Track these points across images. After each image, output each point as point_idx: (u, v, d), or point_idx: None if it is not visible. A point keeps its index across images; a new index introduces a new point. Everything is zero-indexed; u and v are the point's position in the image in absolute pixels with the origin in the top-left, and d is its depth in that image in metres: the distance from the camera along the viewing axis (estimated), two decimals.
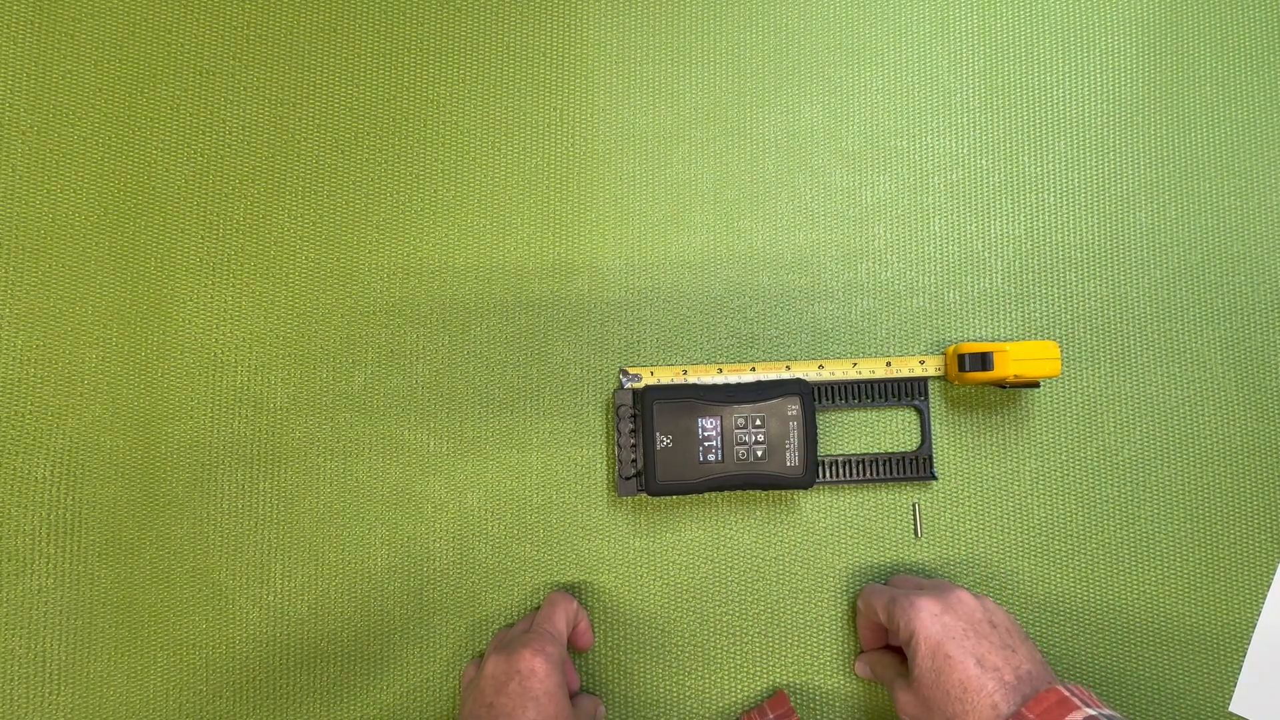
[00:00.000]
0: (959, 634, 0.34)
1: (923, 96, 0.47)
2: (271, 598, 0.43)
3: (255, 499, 0.43)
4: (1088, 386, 0.46)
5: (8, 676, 0.41)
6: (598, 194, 0.46)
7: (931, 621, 0.35)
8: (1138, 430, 0.46)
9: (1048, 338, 0.46)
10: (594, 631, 0.43)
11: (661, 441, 0.41)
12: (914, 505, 0.45)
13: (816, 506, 0.45)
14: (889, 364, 0.45)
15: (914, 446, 0.45)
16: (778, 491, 0.45)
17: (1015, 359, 0.42)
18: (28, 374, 0.42)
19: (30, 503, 0.42)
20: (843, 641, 0.44)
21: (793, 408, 0.41)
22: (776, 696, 0.42)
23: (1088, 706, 0.30)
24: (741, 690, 0.44)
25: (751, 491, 0.45)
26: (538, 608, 0.42)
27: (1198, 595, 0.45)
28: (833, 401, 0.45)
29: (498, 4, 0.46)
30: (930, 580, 0.41)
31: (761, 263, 0.46)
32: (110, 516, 0.42)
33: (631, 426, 0.43)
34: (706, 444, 0.41)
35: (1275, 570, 0.45)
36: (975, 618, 0.35)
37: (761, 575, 0.44)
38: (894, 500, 0.45)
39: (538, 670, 0.35)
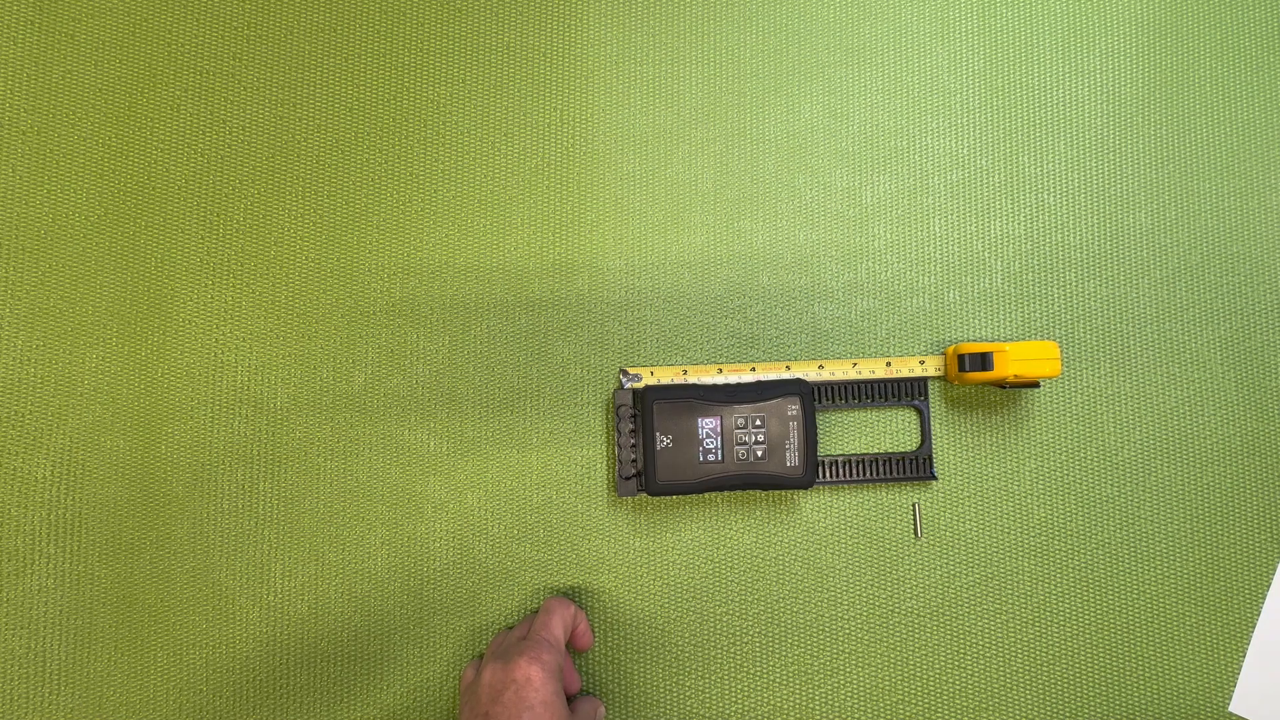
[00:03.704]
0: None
1: (923, 96, 0.47)
2: (271, 598, 0.43)
3: (255, 499, 0.43)
4: (1088, 386, 0.46)
5: (8, 676, 0.41)
6: (598, 194, 0.46)
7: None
8: (1138, 430, 0.46)
9: (1048, 338, 0.46)
10: (594, 632, 0.43)
11: (661, 441, 0.41)
12: (914, 505, 0.45)
13: (816, 506, 0.45)
14: (889, 364, 0.45)
15: (914, 446, 0.45)
16: (778, 491, 0.45)
17: (1015, 359, 0.42)
18: (28, 374, 0.42)
19: (30, 503, 0.42)
20: (844, 642, 0.44)
21: (793, 408, 0.41)
22: None
23: None
24: (741, 690, 0.44)
25: (751, 491, 0.45)
26: (535, 612, 0.42)
27: (1198, 595, 0.45)
28: (833, 401, 0.45)
29: (498, 4, 0.46)
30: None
31: (761, 263, 0.46)
32: (110, 516, 0.42)
33: (631, 426, 0.43)
34: (706, 444, 0.41)
35: (1275, 570, 0.45)
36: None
37: (761, 575, 0.44)
38: (894, 500, 0.45)
39: (534, 679, 0.34)
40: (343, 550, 0.43)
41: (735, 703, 0.43)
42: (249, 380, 0.44)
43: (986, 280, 0.46)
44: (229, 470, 0.43)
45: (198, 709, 0.42)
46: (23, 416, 0.42)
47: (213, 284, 0.44)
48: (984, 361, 0.42)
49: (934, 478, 0.45)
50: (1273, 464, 0.46)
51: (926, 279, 0.46)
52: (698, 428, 0.41)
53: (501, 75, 0.46)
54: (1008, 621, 0.44)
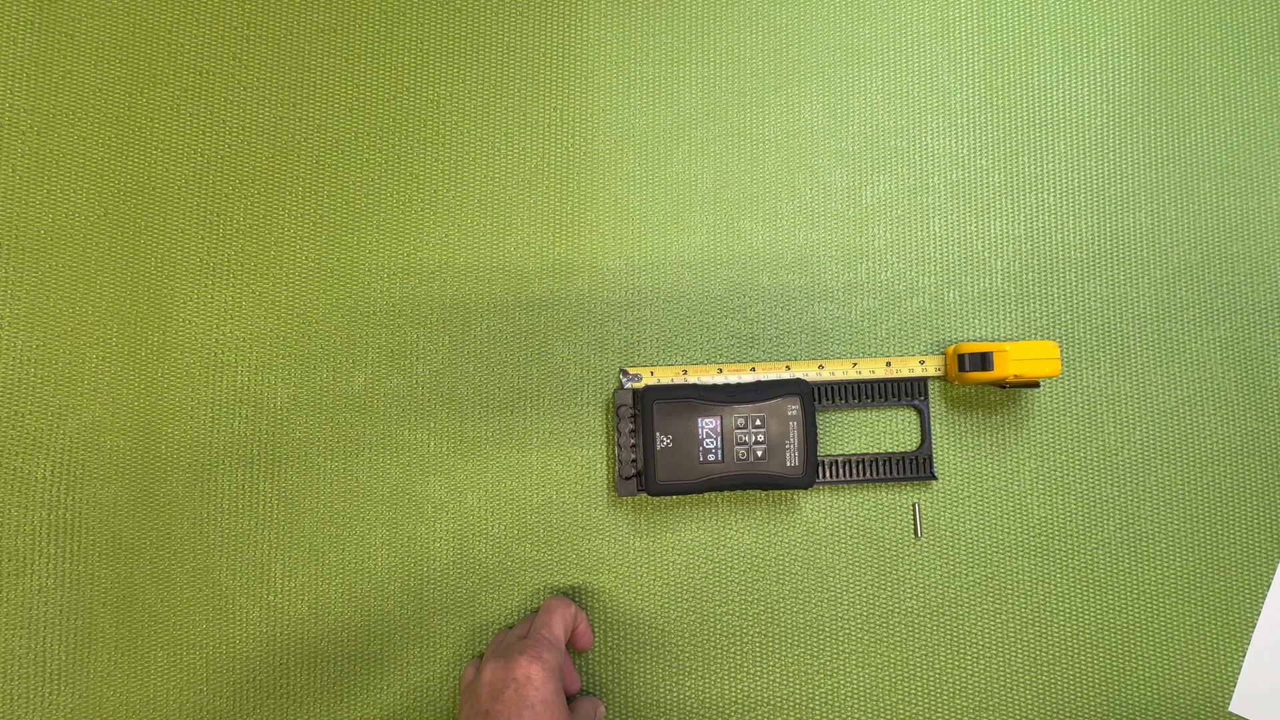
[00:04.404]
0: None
1: (923, 96, 0.47)
2: (272, 598, 0.43)
3: (255, 499, 0.43)
4: (1088, 386, 0.46)
5: (8, 676, 0.41)
6: (598, 194, 0.46)
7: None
8: (1138, 430, 0.46)
9: (1048, 338, 0.46)
10: (594, 632, 0.43)
11: (661, 441, 0.41)
12: (914, 505, 0.45)
13: (816, 506, 0.45)
14: (889, 364, 0.45)
15: (914, 446, 0.45)
16: (778, 491, 0.45)
17: (1015, 359, 0.42)
18: (28, 374, 0.42)
19: (30, 503, 0.42)
20: (844, 642, 0.44)
21: (793, 408, 0.41)
22: None
23: None
24: (741, 690, 0.44)
25: (751, 491, 0.45)
26: (536, 612, 0.42)
27: (1198, 595, 0.45)
28: (833, 401, 0.45)
29: (498, 4, 0.46)
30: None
31: (761, 263, 0.46)
32: (110, 516, 0.42)
33: (631, 426, 0.43)
34: (706, 444, 0.41)
35: (1275, 570, 0.45)
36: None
37: (761, 575, 0.44)
38: (894, 500, 0.45)
39: (534, 678, 0.34)
40: (343, 550, 0.43)
41: (735, 703, 0.43)
42: (249, 380, 0.44)
43: (986, 280, 0.46)
44: (229, 470, 0.43)
45: (198, 709, 0.42)
46: (23, 416, 0.42)
47: (213, 284, 0.44)
48: (984, 361, 0.42)
49: (934, 478, 0.45)
50: (1273, 464, 0.46)
51: (926, 279, 0.46)
52: (698, 428, 0.41)
53: (501, 75, 0.46)
54: (1008, 621, 0.44)
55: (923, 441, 0.45)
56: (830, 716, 0.44)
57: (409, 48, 0.46)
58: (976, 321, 0.46)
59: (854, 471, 0.45)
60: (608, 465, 0.44)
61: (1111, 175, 0.47)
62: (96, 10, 0.44)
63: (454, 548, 0.43)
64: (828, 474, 0.45)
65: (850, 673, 0.44)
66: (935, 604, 0.44)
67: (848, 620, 0.44)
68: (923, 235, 0.46)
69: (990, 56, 0.48)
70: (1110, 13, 0.48)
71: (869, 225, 0.46)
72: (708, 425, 0.41)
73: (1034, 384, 0.43)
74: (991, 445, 0.45)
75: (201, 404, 0.43)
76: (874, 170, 0.47)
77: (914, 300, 0.46)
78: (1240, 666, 0.45)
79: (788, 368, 0.45)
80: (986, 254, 0.47)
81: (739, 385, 0.43)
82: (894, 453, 0.45)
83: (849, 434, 0.45)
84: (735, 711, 0.43)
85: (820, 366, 0.45)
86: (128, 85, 0.44)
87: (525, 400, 0.44)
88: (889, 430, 0.46)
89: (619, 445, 0.43)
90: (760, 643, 0.44)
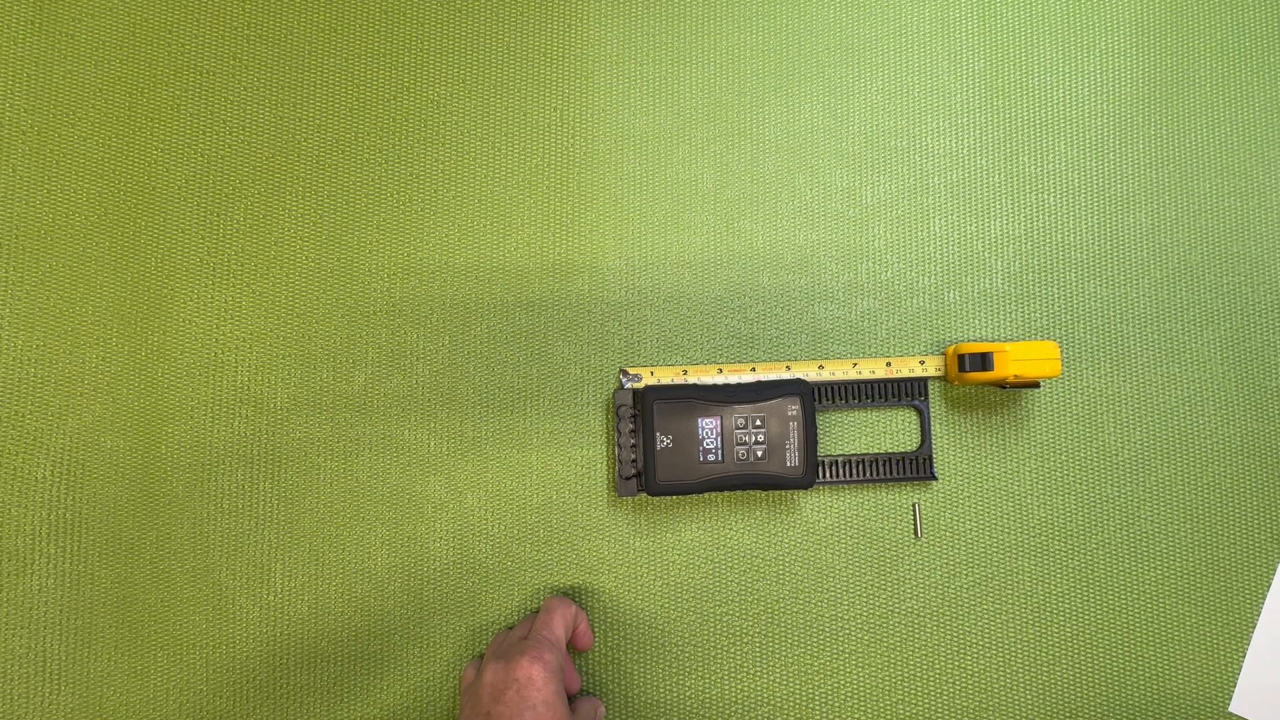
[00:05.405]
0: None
1: (923, 96, 0.47)
2: (272, 598, 0.43)
3: (255, 499, 0.43)
4: (1088, 386, 0.46)
5: (8, 676, 0.41)
6: (598, 194, 0.46)
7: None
8: (1138, 430, 0.46)
9: (1048, 338, 0.46)
10: (594, 632, 0.43)
11: (661, 441, 0.41)
12: (914, 505, 0.45)
13: (816, 506, 0.45)
14: (889, 364, 0.45)
15: (914, 446, 0.45)
16: (778, 491, 0.45)
17: (1015, 359, 0.42)
18: (28, 374, 0.42)
19: (30, 503, 0.42)
20: (844, 642, 0.44)
21: (793, 408, 0.41)
22: None
23: None
24: (741, 690, 0.44)
25: (751, 491, 0.45)
26: (536, 612, 0.42)
27: (1198, 595, 0.45)
28: (833, 401, 0.45)
29: (498, 4, 0.46)
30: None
31: (761, 263, 0.46)
32: (110, 516, 0.42)
33: (631, 426, 0.43)
34: (706, 444, 0.41)
35: (1275, 570, 0.45)
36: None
37: (761, 575, 0.44)
38: (894, 500, 0.45)
39: (535, 678, 0.34)
40: (343, 550, 0.43)
41: (735, 703, 0.43)
42: (249, 380, 0.44)
43: (986, 280, 0.46)
44: (229, 470, 0.43)
45: (198, 709, 0.42)
46: (23, 416, 0.42)
47: (213, 284, 0.44)
48: (984, 361, 0.42)
49: (934, 478, 0.45)
50: (1273, 464, 0.46)
51: (926, 279, 0.46)
52: (698, 428, 0.41)
53: (501, 75, 0.46)
54: (1008, 621, 0.44)
55: (923, 442, 0.45)
56: (830, 716, 0.44)
57: (409, 48, 0.46)
58: (976, 321, 0.46)
59: (854, 471, 0.45)
60: (608, 465, 0.44)
61: (1111, 175, 0.47)
62: (96, 10, 0.44)
63: (454, 548, 0.43)
64: (828, 474, 0.45)
65: (850, 673, 0.44)
66: (935, 604, 0.44)
67: (848, 620, 0.44)
68: (923, 235, 0.46)
69: (990, 56, 0.48)
70: (1110, 13, 0.48)
71: (869, 225, 0.46)
72: (708, 425, 0.41)
73: (1034, 384, 0.43)
74: (991, 445, 0.45)
75: (201, 404, 0.43)
76: (874, 170, 0.47)
77: (914, 300, 0.46)
78: (1240, 666, 0.45)
79: (788, 368, 0.45)
80: (986, 254, 0.47)
81: (739, 385, 0.43)
82: (894, 453, 0.45)
83: (849, 434, 0.45)
84: (735, 711, 0.43)
85: (820, 366, 0.45)
86: (128, 85, 0.44)
87: (525, 400, 0.44)
88: (889, 430, 0.46)
89: (619, 445, 0.43)
90: (760, 643, 0.44)
